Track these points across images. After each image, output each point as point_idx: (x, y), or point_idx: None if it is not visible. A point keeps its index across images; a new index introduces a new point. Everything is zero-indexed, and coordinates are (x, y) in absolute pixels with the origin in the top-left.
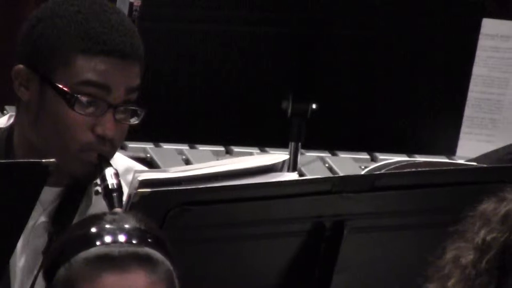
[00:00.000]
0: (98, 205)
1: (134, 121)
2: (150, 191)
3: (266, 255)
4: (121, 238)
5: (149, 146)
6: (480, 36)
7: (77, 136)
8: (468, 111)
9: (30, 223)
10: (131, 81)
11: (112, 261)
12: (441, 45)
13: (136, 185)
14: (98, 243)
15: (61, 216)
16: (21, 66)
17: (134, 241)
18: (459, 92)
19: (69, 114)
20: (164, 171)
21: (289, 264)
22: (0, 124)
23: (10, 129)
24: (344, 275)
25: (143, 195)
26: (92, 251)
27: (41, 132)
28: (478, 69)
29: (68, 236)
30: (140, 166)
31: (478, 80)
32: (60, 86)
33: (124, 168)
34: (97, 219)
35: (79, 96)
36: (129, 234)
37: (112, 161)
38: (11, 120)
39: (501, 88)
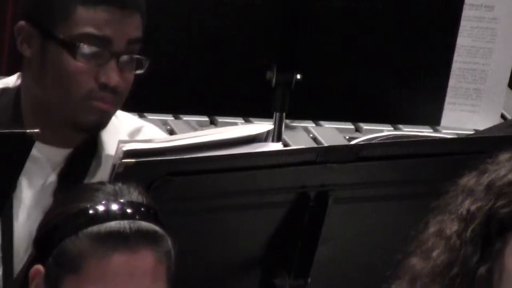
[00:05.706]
0: (108, 166)
1: (139, 71)
2: (134, 161)
3: (250, 226)
4: (129, 213)
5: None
6: (464, 6)
7: (81, 84)
8: (452, 82)
9: (40, 182)
10: (132, 32)
11: (124, 240)
12: (425, 15)
13: (121, 155)
14: (107, 218)
15: (70, 177)
16: (22, 22)
17: (140, 217)
18: (443, 62)
19: (72, 63)
20: (149, 141)
21: (273, 234)
22: (10, 83)
23: (18, 88)
24: (329, 245)
25: (127, 165)
26: (103, 227)
27: (45, 85)
28: (462, 39)
29: (71, 206)
30: (149, 126)
31: (462, 50)
32: (62, 36)
33: (132, 128)
34: (96, 190)
35: (81, 44)
36: (135, 209)
37: (119, 122)
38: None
39: (485, 58)
